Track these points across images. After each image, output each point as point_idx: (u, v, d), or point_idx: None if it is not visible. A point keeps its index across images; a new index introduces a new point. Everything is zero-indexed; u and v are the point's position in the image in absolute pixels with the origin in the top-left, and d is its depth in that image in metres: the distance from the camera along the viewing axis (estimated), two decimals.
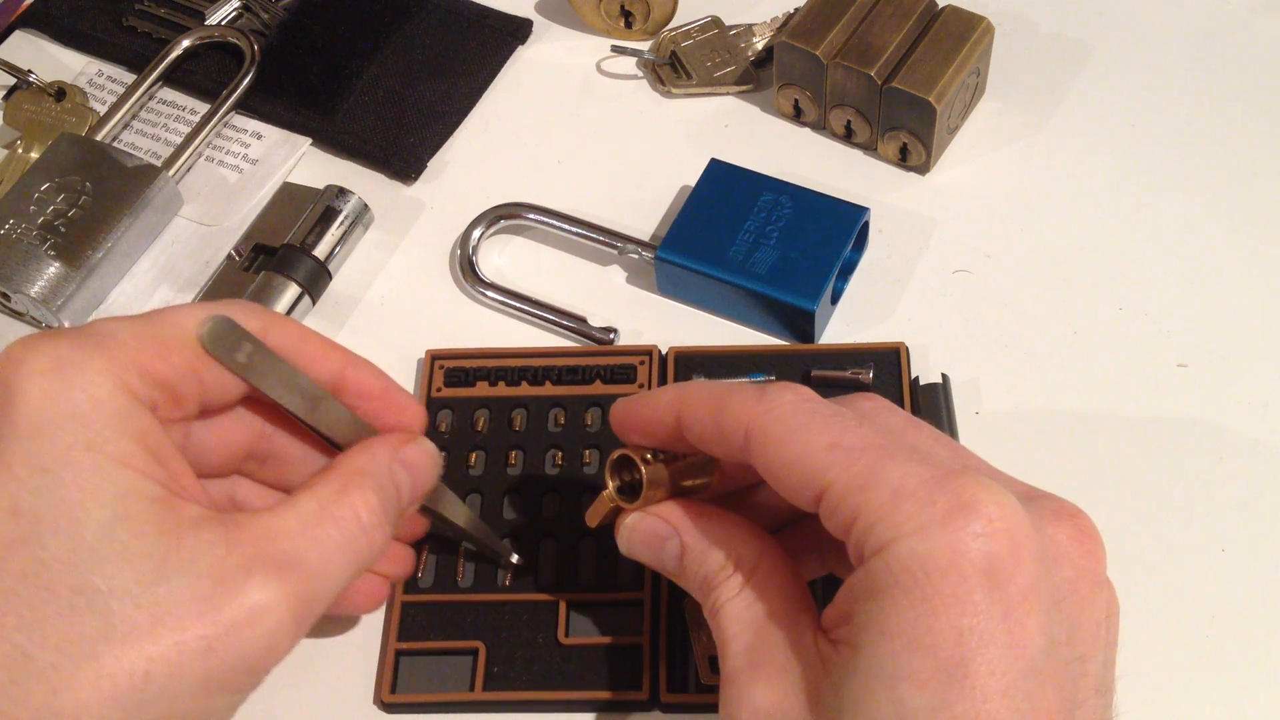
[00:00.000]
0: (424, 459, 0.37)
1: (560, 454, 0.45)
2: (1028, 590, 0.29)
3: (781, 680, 0.32)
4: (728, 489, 0.38)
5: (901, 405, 0.45)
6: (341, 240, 0.51)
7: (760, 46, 0.57)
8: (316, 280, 0.50)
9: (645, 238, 0.51)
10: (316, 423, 0.37)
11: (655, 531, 0.36)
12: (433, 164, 0.55)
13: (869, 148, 0.53)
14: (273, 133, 0.56)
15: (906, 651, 0.28)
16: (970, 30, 0.51)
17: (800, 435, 0.32)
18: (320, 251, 0.51)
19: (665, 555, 0.36)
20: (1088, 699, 0.30)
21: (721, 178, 0.50)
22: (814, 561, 0.37)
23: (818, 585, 0.40)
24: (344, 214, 0.51)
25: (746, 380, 0.46)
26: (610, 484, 0.37)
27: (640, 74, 0.57)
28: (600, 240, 0.51)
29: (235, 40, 0.57)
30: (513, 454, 0.45)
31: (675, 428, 0.35)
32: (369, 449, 0.36)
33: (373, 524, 0.34)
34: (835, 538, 0.31)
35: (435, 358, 0.47)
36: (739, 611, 0.34)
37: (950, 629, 0.28)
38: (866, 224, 0.49)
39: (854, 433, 0.31)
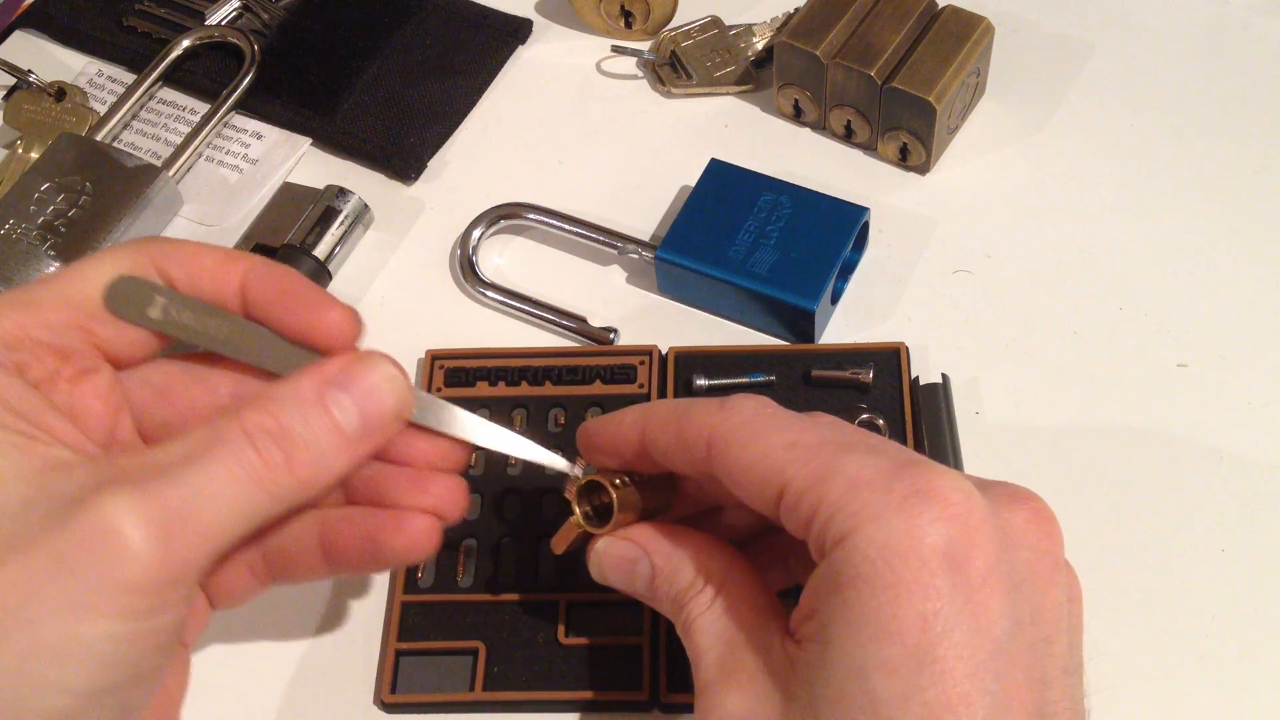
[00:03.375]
0: (371, 375, 0.33)
1: (560, 454, 0.45)
2: (988, 572, 0.29)
3: (752, 686, 0.32)
4: (690, 512, 0.38)
5: (901, 405, 0.45)
6: (341, 240, 0.51)
7: (760, 46, 0.57)
8: (316, 280, 0.50)
9: (645, 238, 0.51)
10: (259, 361, 0.34)
11: (625, 555, 0.36)
12: (433, 164, 0.55)
13: (869, 148, 0.53)
14: (273, 133, 0.56)
15: (873, 641, 0.29)
16: (970, 30, 0.51)
17: (760, 437, 0.32)
18: (320, 251, 0.51)
19: (637, 577, 0.36)
20: (1056, 678, 0.30)
21: (721, 178, 0.50)
22: (778, 574, 0.37)
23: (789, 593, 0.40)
24: (344, 214, 0.51)
25: (746, 380, 0.46)
26: (578, 509, 0.37)
27: (640, 74, 0.57)
28: (600, 240, 0.51)
29: (235, 40, 0.57)
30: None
31: (640, 446, 0.35)
32: (294, 375, 0.33)
33: (269, 439, 0.31)
34: (797, 538, 0.32)
35: (435, 358, 0.47)
36: (710, 624, 0.34)
37: (915, 615, 0.28)
38: (866, 224, 0.49)
39: (811, 432, 0.32)
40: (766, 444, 0.32)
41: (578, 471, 0.37)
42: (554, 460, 0.37)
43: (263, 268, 0.35)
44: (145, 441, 0.35)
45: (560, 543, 0.37)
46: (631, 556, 0.36)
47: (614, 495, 0.35)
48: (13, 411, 0.31)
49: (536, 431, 0.45)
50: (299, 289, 0.34)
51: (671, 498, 0.37)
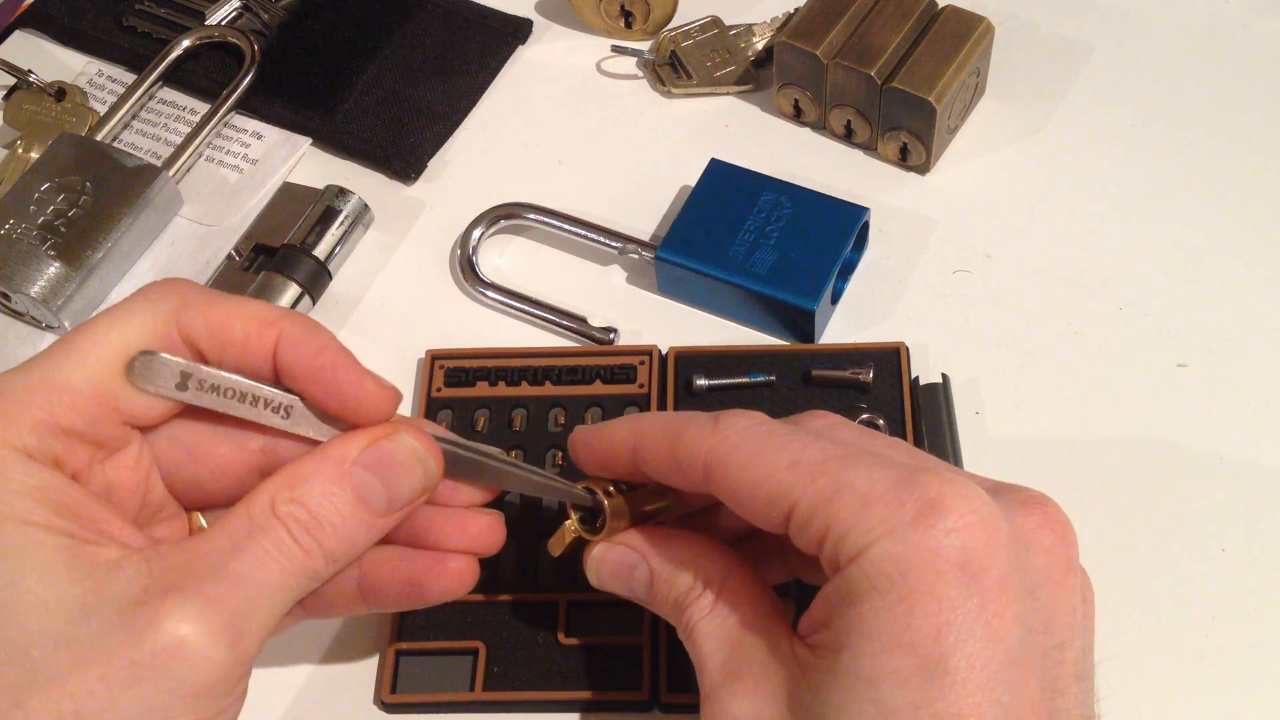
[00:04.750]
0: (397, 453, 0.33)
1: (560, 454, 0.45)
2: (1002, 582, 0.29)
3: (760, 689, 0.32)
4: (688, 511, 0.38)
5: (901, 405, 0.45)
6: (341, 240, 0.51)
7: (760, 46, 0.57)
8: (316, 280, 0.50)
9: (645, 238, 0.51)
10: (290, 429, 0.34)
11: (622, 561, 0.36)
12: (433, 164, 0.55)
13: (869, 148, 0.53)
14: (273, 133, 0.56)
15: (886, 651, 0.28)
16: (970, 30, 0.51)
17: (759, 458, 0.32)
18: (320, 251, 0.51)
19: (635, 583, 0.36)
20: (1068, 686, 0.30)
21: (721, 178, 0.50)
22: (775, 568, 0.37)
23: (791, 590, 0.40)
24: (344, 214, 0.51)
25: (746, 380, 0.46)
26: (573, 515, 0.37)
27: (640, 74, 0.57)
28: (600, 240, 0.51)
29: (235, 40, 0.57)
30: (513, 454, 0.45)
31: (632, 462, 0.35)
32: (320, 452, 0.33)
33: (301, 529, 0.32)
34: (808, 554, 0.31)
35: (435, 358, 0.47)
36: (713, 628, 0.34)
37: (929, 626, 0.28)
38: (866, 224, 0.49)
39: (812, 448, 0.32)
40: (767, 465, 0.32)
41: (595, 500, 0.36)
42: (585, 499, 0.36)
43: (297, 334, 0.33)
44: (175, 496, 0.35)
45: (556, 546, 0.37)
46: (629, 562, 0.36)
47: (606, 504, 0.35)
48: (56, 511, 0.31)
49: (537, 432, 0.46)
50: (335, 362, 0.33)
51: (670, 502, 0.37)
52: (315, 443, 0.34)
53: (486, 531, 0.37)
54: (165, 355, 0.32)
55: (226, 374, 0.33)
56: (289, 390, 0.34)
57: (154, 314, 0.33)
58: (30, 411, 0.31)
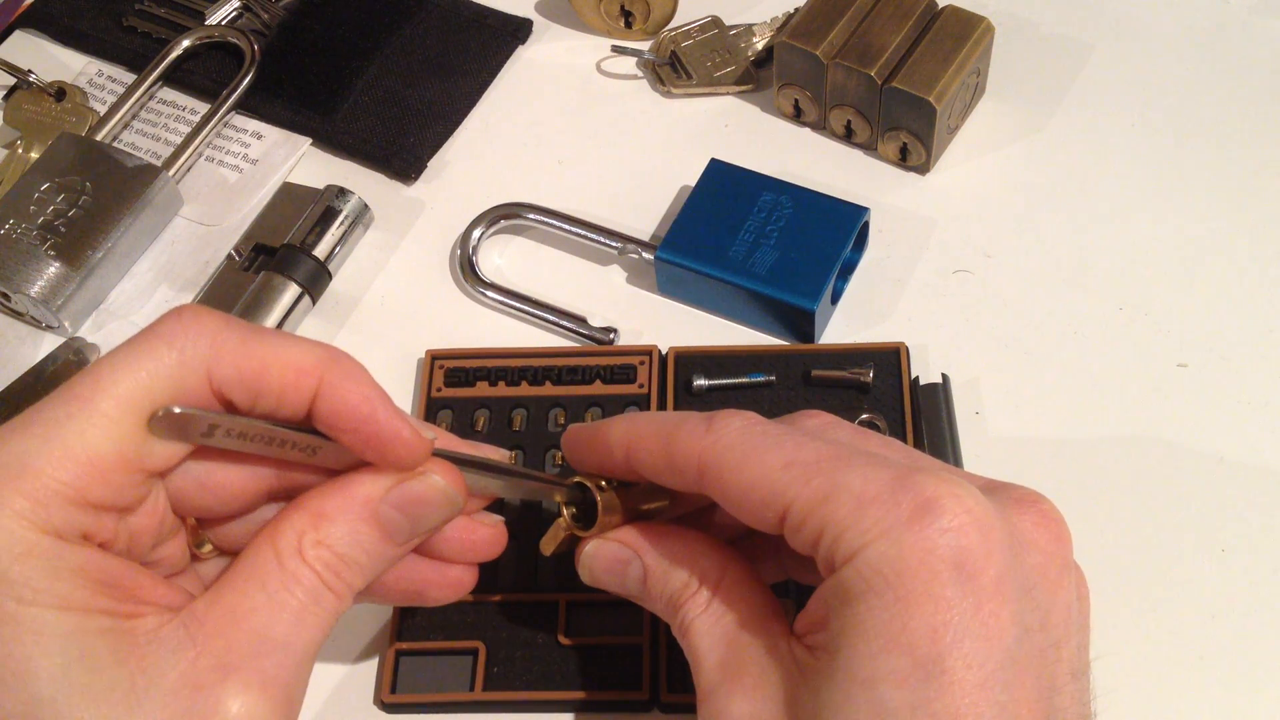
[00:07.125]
0: (426, 493, 0.34)
1: (560, 454, 0.45)
2: (998, 581, 0.29)
3: (758, 689, 0.32)
4: (683, 511, 0.38)
5: (901, 405, 0.45)
6: (341, 240, 0.51)
7: (760, 46, 0.57)
8: (316, 280, 0.50)
9: (645, 238, 0.51)
10: (313, 462, 0.33)
11: (616, 556, 0.36)
12: (433, 164, 0.55)
13: (869, 148, 0.53)
14: (273, 133, 0.56)
15: (883, 652, 0.29)
16: (970, 30, 0.51)
17: (754, 459, 0.32)
18: (320, 251, 0.51)
19: (628, 579, 0.36)
20: (1065, 684, 0.30)
21: (721, 178, 0.50)
22: (770, 567, 0.37)
23: (789, 589, 0.40)
24: (344, 214, 0.51)
25: (746, 380, 0.46)
26: (565, 511, 0.36)
27: (640, 74, 0.57)
28: (600, 240, 0.51)
29: (235, 40, 0.57)
30: (513, 454, 0.45)
31: (626, 462, 0.35)
32: (345, 487, 0.33)
33: (336, 569, 0.32)
34: (803, 555, 0.31)
35: (435, 358, 0.48)
36: (709, 626, 0.33)
37: (925, 626, 0.28)
38: (866, 224, 0.49)
39: (807, 448, 0.31)
40: (762, 465, 0.32)
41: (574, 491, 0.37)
42: (576, 493, 0.37)
43: (337, 383, 0.32)
44: (178, 514, 0.34)
45: (549, 544, 0.37)
46: (623, 558, 0.36)
47: (599, 498, 0.35)
48: (92, 590, 0.30)
49: (537, 432, 0.46)
50: (374, 414, 0.32)
51: (666, 501, 0.37)
52: (336, 470, 0.34)
53: (489, 542, 0.37)
54: (192, 411, 0.30)
55: (256, 422, 0.32)
56: (319, 433, 0.32)
57: (181, 363, 0.31)
58: (56, 489, 0.29)
